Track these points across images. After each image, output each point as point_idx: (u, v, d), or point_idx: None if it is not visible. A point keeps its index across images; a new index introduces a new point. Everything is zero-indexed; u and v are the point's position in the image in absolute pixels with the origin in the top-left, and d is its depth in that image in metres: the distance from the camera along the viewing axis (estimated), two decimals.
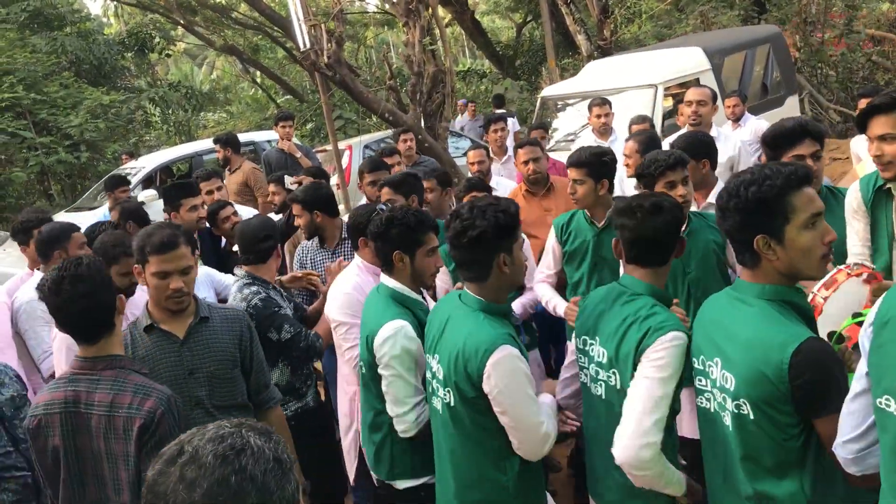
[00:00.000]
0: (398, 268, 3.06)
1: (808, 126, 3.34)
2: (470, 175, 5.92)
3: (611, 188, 3.95)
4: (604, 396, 2.63)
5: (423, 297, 3.23)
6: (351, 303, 3.46)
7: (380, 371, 2.97)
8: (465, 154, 6.63)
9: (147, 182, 11.31)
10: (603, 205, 3.93)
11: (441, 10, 22.67)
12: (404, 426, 2.95)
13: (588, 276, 3.94)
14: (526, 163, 5.03)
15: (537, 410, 2.58)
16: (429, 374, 2.82)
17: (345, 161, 11.35)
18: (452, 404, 2.63)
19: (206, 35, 21.94)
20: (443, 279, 4.13)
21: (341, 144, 11.97)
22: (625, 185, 5.37)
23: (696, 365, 2.38)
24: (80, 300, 2.57)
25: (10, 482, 2.99)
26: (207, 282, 4.39)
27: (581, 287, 3.99)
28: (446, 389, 2.65)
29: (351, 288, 3.51)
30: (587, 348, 2.71)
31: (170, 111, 20.24)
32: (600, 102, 6.91)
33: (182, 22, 20.74)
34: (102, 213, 10.55)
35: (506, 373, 2.48)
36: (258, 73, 23.99)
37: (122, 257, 3.64)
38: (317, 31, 9.14)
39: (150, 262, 2.95)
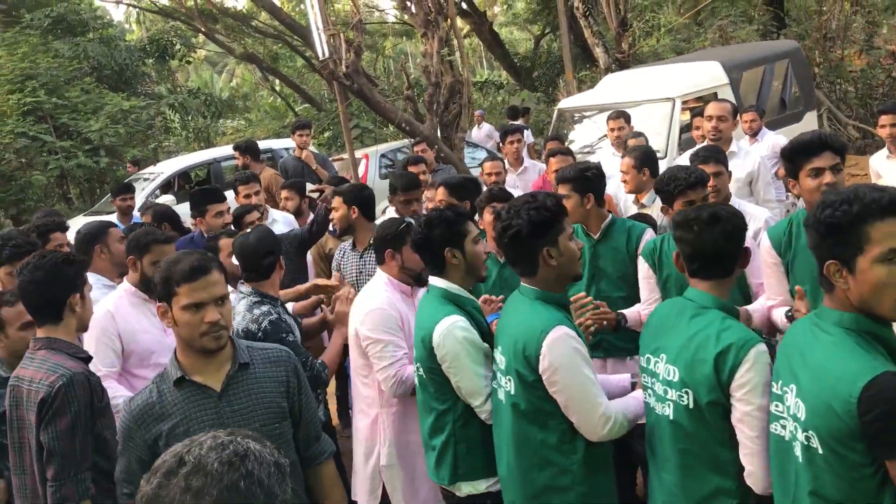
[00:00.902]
0: (452, 265, 3.06)
1: (827, 138, 3.27)
2: (485, 186, 5.92)
3: (600, 201, 3.97)
4: (672, 417, 2.51)
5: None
6: (386, 319, 3.41)
7: (446, 370, 2.96)
8: (480, 164, 6.63)
9: (165, 187, 11.41)
10: (596, 218, 3.98)
11: (459, 22, 22.77)
12: (486, 415, 2.95)
13: (586, 287, 3.92)
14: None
15: (595, 391, 2.60)
16: (494, 367, 2.86)
17: (361, 170, 11.41)
18: (513, 392, 2.67)
19: (227, 43, 22.15)
20: None
21: (358, 153, 12.03)
22: (622, 201, 5.37)
23: (774, 389, 2.24)
24: (31, 287, 2.94)
25: None
26: None
27: None
28: (507, 377, 2.70)
29: (385, 304, 3.44)
30: (652, 366, 2.61)
31: (189, 117, 20.41)
32: (616, 115, 6.87)
33: (203, 29, 20.93)
34: (117, 218, 10.67)
35: (562, 352, 2.54)
36: (277, 81, 24.17)
37: (153, 245, 3.77)
38: (336, 41, 9.22)
39: (179, 293, 2.46)
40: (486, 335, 3.04)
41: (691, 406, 2.44)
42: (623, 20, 12.01)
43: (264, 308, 3.56)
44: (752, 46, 11.06)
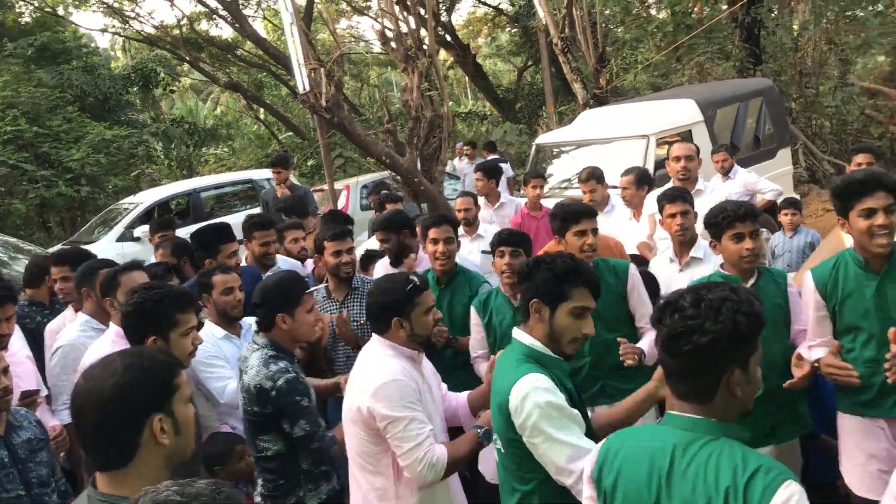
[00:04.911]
0: (534, 320, 2.64)
1: (881, 177, 3.10)
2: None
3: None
4: None
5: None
6: (404, 391, 2.86)
7: (527, 441, 2.48)
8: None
9: (145, 217, 11.40)
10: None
11: (443, 53, 23.04)
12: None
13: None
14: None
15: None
16: None
17: (342, 201, 11.46)
18: None
19: (211, 71, 22.25)
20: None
21: (340, 184, 12.10)
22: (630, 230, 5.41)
23: None
24: None
25: None
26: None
27: None
28: None
29: (399, 374, 2.89)
30: None
31: (172, 146, 20.42)
32: (585, 178, 6.21)
33: (188, 58, 21.04)
34: (99, 248, 10.65)
35: None
36: (261, 109, 24.27)
37: (119, 276, 3.76)
38: (316, 75, 9.29)
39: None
40: (577, 402, 2.58)
41: None
42: (601, 56, 12.19)
43: (281, 364, 3.20)
44: (727, 84, 11.25)
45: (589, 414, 2.70)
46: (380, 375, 2.89)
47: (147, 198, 12.09)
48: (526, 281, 2.68)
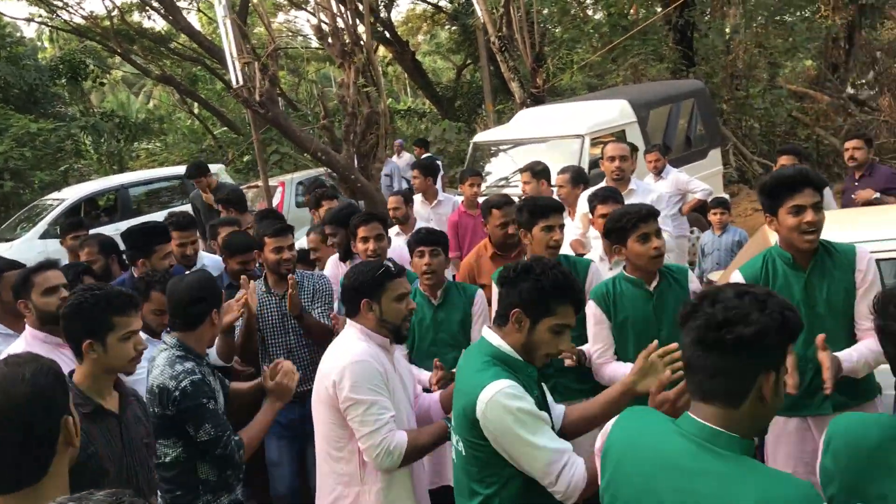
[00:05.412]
0: (512, 328, 2.50)
1: (808, 174, 3.12)
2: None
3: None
4: None
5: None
6: (370, 375, 2.87)
7: (501, 447, 2.40)
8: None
9: (70, 214, 11.02)
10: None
11: (382, 50, 22.92)
12: (561, 495, 2.40)
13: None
14: (503, 225, 4.59)
15: None
16: None
17: (276, 198, 11.29)
18: None
19: (144, 64, 21.67)
20: None
21: (275, 180, 11.91)
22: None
23: None
24: None
25: None
26: None
27: None
28: None
29: (367, 356, 2.91)
30: None
31: (102, 140, 19.82)
32: (523, 169, 6.40)
33: (119, 50, 20.43)
34: (21, 245, 10.25)
35: None
36: (195, 103, 23.74)
37: (33, 276, 3.58)
38: (250, 69, 9.12)
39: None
40: (543, 407, 2.51)
41: None
42: (538, 56, 12.28)
43: (188, 365, 3.08)
44: (660, 85, 11.44)
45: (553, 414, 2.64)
46: (346, 356, 2.90)
47: (72, 194, 11.71)
48: (508, 286, 2.51)
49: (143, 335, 3.77)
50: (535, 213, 3.88)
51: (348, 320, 3.08)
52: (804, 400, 3.19)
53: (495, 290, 3.39)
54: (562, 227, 3.91)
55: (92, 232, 6.29)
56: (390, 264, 3.07)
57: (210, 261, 5.33)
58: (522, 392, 2.38)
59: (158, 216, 8.63)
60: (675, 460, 1.75)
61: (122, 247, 5.08)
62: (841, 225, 4.12)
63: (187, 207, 9.92)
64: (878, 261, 3.34)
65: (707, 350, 1.73)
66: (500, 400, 2.34)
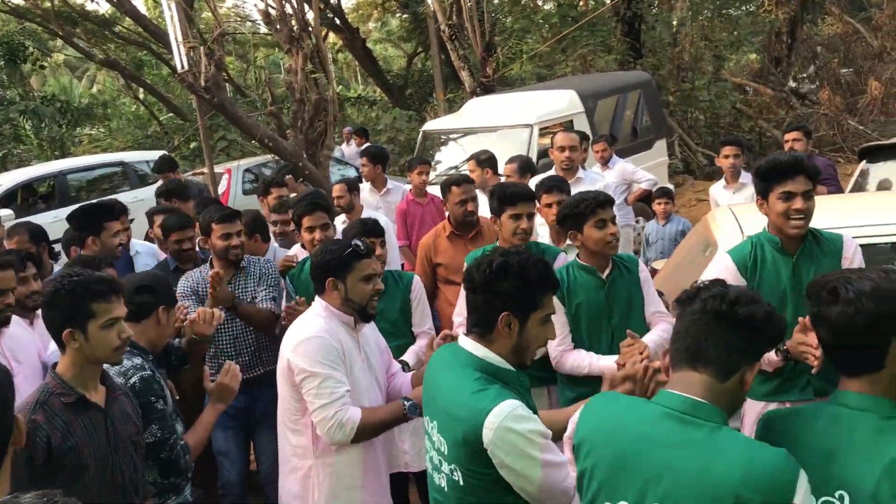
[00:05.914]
0: (500, 334, 2.30)
1: (802, 161, 3.16)
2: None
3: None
4: None
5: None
6: (325, 349, 2.92)
7: (517, 473, 2.18)
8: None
9: (5, 200, 10.68)
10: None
11: (332, 36, 22.70)
12: None
13: None
14: (462, 202, 4.74)
15: None
16: None
17: (222, 185, 11.12)
18: None
19: (87, 48, 21.08)
20: None
21: (221, 167, 11.72)
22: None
23: None
24: None
25: None
26: None
27: None
28: None
29: (323, 332, 2.96)
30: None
31: (43, 125, 19.23)
32: (469, 158, 6.47)
33: (60, 33, 19.82)
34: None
35: None
36: (140, 89, 23.20)
37: None
38: (195, 54, 8.94)
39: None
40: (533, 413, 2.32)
41: None
42: (488, 45, 12.30)
43: (136, 360, 2.95)
44: (608, 76, 11.57)
45: None
46: (304, 331, 3.00)
47: (8, 180, 11.33)
48: (486, 292, 2.30)
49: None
50: (503, 200, 3.85)
51: (317, 297, 3.13)
52: (786, 384, 3.22)
53: (463, 292, 3.11)
54: (531, 215, 3.87)
55: (25, 220, 6.12)
56: (360, 244, 3.09)
57: (143, 247, 5.28)
58: (528, 411, 2.20)
59: None
60: (656, 436, 1.79)
61: (52, 237, 4.96)
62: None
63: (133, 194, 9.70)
64: None
65: (716, 320, 1.82)
66: (509, 425, 2.14)
